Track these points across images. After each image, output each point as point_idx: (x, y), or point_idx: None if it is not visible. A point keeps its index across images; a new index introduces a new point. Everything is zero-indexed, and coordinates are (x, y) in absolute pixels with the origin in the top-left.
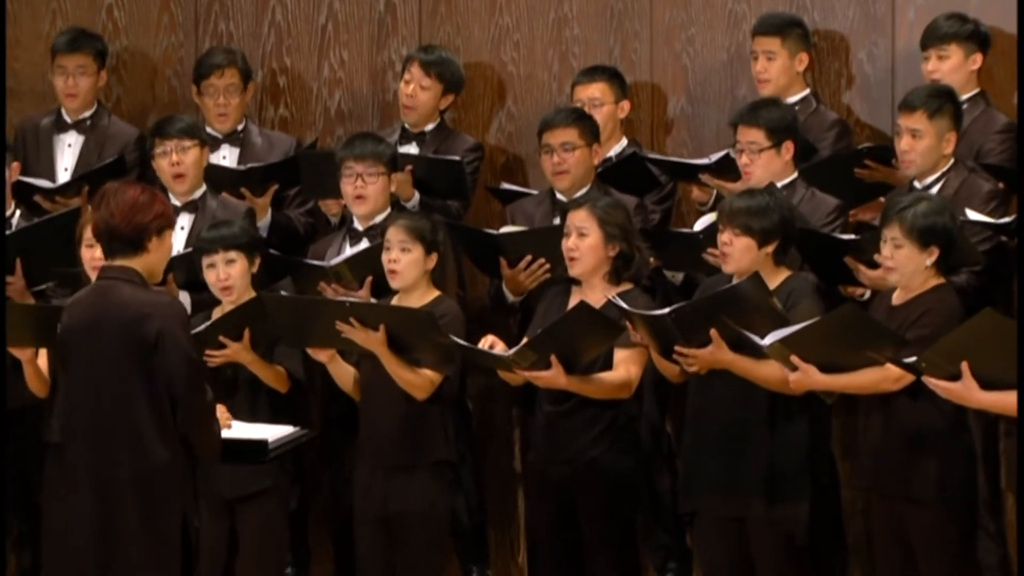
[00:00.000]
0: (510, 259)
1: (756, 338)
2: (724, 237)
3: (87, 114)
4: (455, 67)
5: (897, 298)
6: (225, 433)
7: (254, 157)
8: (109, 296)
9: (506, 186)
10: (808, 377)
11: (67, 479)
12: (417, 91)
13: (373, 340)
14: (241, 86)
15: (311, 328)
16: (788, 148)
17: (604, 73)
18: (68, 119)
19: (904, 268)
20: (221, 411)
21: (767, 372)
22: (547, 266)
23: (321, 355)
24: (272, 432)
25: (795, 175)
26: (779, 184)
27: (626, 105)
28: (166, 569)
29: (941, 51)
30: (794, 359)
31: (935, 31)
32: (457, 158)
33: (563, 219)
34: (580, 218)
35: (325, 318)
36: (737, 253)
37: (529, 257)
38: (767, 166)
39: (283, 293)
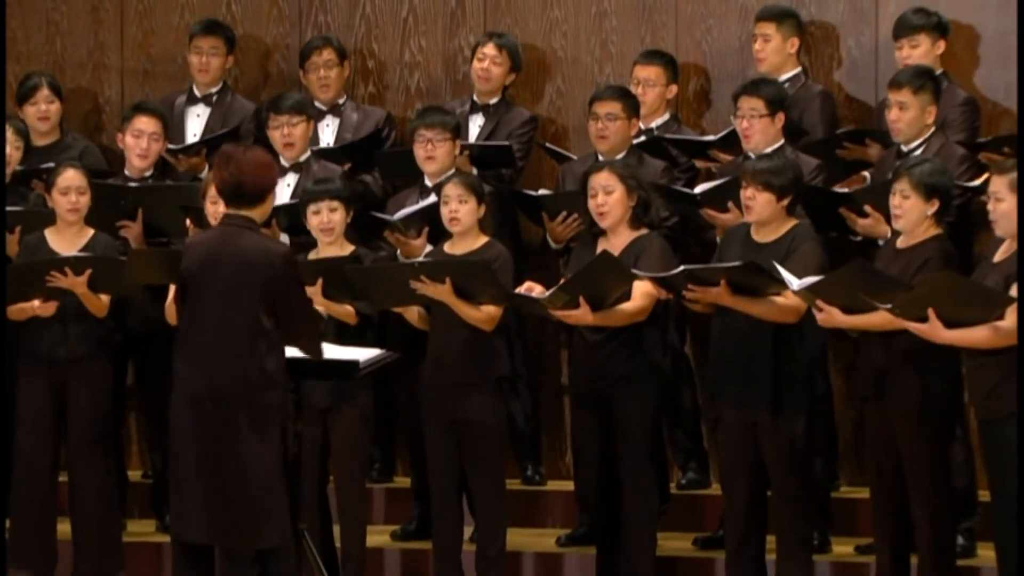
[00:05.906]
0: (550, 214)
1: (791, 279)
2: (748, 192)
3: (214, 90)
4: (519, 50)
5: (901, 242)
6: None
7: (350, 127)
8: (235, 239)
9: (550, 146)
10: (832, 317)
11: (181, 393)
12: (491, 66)
13: (442, 291)
14: (338, 61)
15: (390, 289)
16: (780, 118)
17: (662, 59)
18: (198, 94)
19: (910, 216)
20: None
21: (759, 308)
22: (580, 220)
23: (409, 314)
24: (363, 354)
25: (782, 142)
26: (770, 149)
27: (674, 88)
28: (271, 462)
29: (912, 40)
30: (819, 303)
31: (905, 24)
32: (506, 143)
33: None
34: (604, 178)
35: (401, 278)
36: (759, 206)
37: (565, 212)
38: (764, 131)
39: (364, 264)
